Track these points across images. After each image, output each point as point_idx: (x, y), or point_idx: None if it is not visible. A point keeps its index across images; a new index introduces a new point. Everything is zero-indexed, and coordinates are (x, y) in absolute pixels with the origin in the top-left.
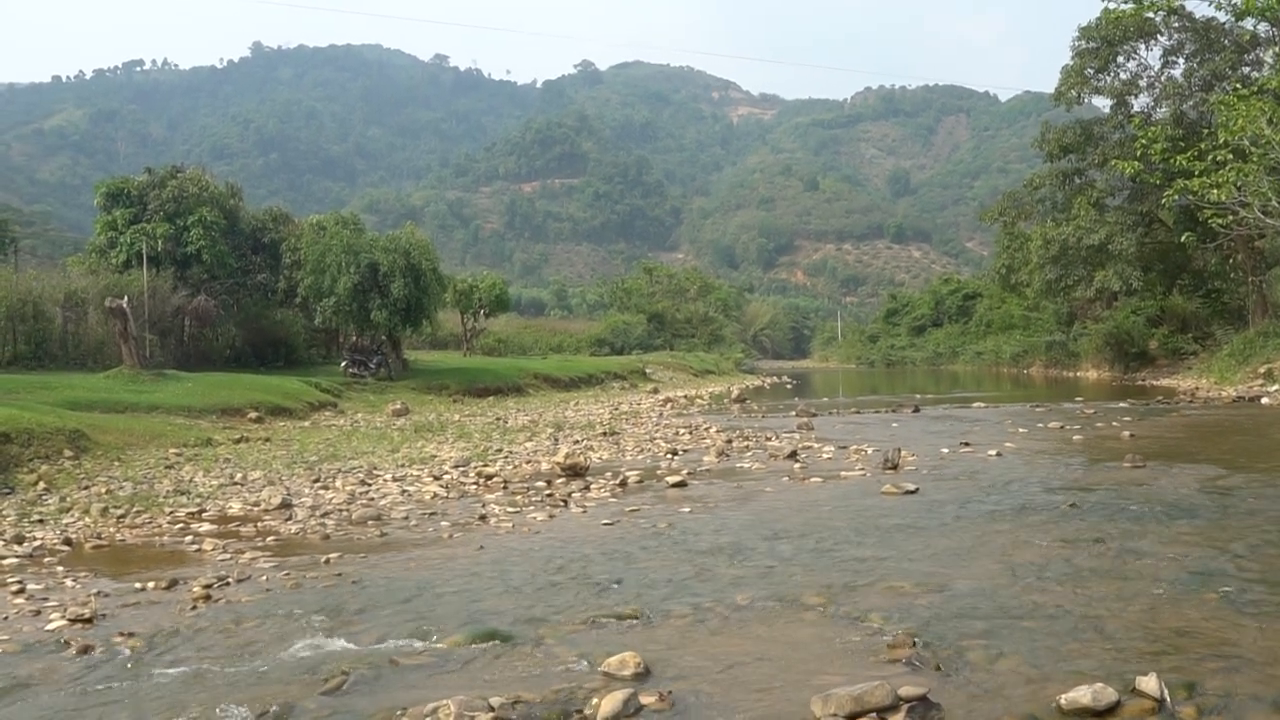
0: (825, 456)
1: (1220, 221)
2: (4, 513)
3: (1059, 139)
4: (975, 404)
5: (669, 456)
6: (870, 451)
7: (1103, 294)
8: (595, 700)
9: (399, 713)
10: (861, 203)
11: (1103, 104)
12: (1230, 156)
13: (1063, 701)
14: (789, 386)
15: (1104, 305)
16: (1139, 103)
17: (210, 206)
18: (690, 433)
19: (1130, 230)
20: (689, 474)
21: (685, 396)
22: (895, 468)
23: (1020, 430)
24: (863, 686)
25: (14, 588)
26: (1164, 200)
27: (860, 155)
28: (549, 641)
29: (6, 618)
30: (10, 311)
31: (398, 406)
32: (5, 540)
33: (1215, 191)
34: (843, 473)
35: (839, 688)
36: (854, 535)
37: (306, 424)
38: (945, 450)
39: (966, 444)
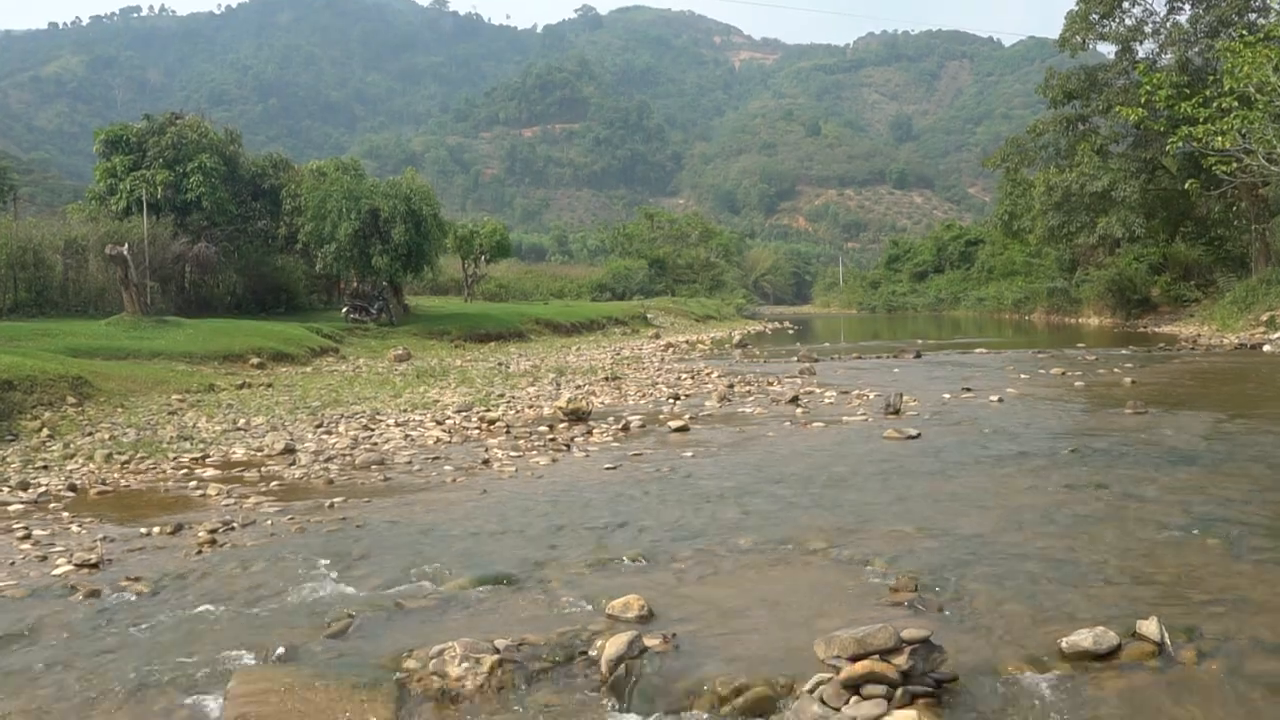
0: (827, 401)
1: (1224, 169)
2: (8, 459)
3: (1063, 85)
4: (977, 350)
5: (671, 401)
6: (872, 396)
7: (1105, 241)
8: (600, 642)
9: (405, 655)
10: (863, 148)
11: (1107, 50)
12: (1235, 103)
13: (1064, 645)
14: (790, 332)
15: (1106, 252)
16: (1144, 49)
17: (210, 153)
18: (692, 378)
19: (1134, 177)
20: (691, 419)
21: (687, 342)
22: (897, 413)
23: (1022, 376)
24: (866, 629)
25: (20, 533)
26: (1168, 147)
27: (862, 100)
28: (553, 584)
29: (14, 563)
30: (11, 259)
31: (399, 352)
32: (10, 486)
33: (1219, 139)
34: (845, 418)
35: (842, 630)
36: (856, 480)
37: (308, 370)
38: (947, 396)
39: (968, 389)
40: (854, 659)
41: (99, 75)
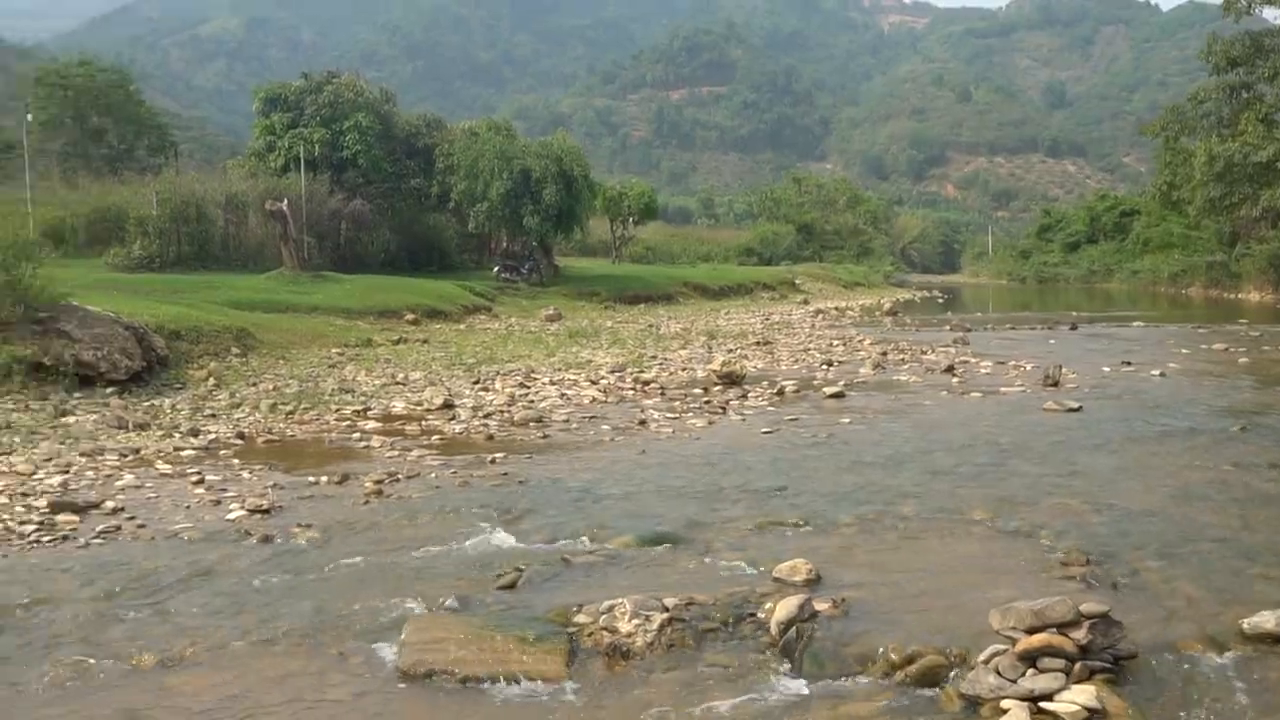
0: (983, 371)
1: None
2: (178, 407)
3: (1226, 51)
4: (1134, 323)
5: (824, 367)
6: (1029, 368)
7: (1269, 214)
8: (768, 605)
9: (574, 609)
10: (1015, 115)
11: (1273, 15)
12: None
13: (1245, 625)
14: (940, 301)
15: (1269, 225)
16: None
17: (365, 112)
18: (844, 344)
19: None
20: (846, 385)
21: (835, 308)
22: (1056, 385)
23: (1183, 351)
24: (1044, 601)
25: (194, 478)
26: None
27: (1014, 66)
28: (716, 546)
29: (189, 506)
30: (175, 213)
31: (551, 312)
32: (182, 433)
33: None
34: (1002, 388)
35: (1018, 601)
36: (1017, 451)
37: (462, 327)
38: (1106, 369)
39: (1128, 363)
40: (1031, 631)
41: (254, 35)
